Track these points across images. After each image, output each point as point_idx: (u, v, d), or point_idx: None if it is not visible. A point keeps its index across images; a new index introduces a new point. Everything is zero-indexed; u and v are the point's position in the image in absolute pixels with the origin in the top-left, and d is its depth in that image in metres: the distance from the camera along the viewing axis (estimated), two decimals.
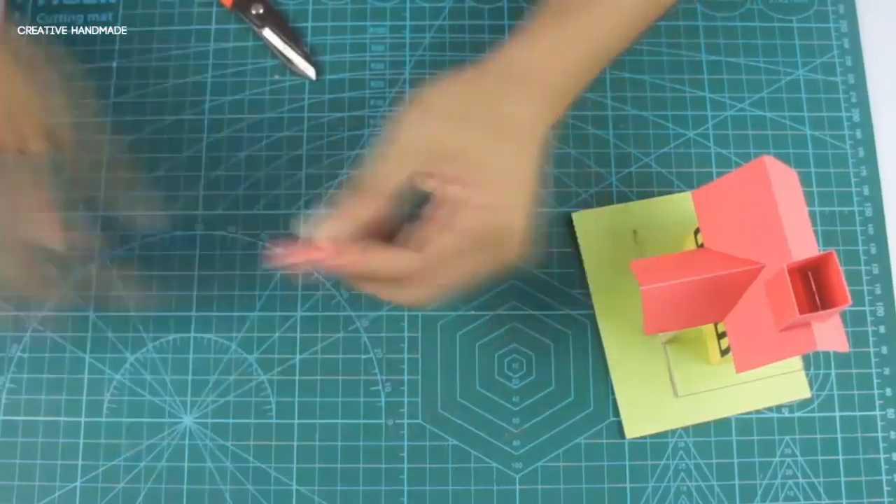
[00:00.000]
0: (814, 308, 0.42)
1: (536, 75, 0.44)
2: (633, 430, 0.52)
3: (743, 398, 0.53)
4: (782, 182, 0.44)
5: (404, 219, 0.44)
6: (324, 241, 0.43)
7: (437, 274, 0.43)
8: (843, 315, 0.54)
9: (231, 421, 0.53)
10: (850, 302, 0.40)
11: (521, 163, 0.43)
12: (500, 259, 0.43)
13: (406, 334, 0.54)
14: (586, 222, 0.56)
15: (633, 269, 0.45)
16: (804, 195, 0.46)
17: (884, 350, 0.54)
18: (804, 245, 0.43)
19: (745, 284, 0.44)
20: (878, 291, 0.55)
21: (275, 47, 0.58)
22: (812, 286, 0.42)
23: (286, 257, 0.43)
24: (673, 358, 0.53)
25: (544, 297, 0.55)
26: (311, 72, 0.58)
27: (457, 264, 0.43)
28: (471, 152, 0.42)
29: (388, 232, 0.44)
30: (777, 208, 0.43)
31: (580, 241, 0.55)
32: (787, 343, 0.42)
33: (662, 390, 0.53)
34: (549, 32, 0.46)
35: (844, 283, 0.40)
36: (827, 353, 0.54)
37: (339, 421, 0.53)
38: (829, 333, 0.42)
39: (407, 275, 0.42)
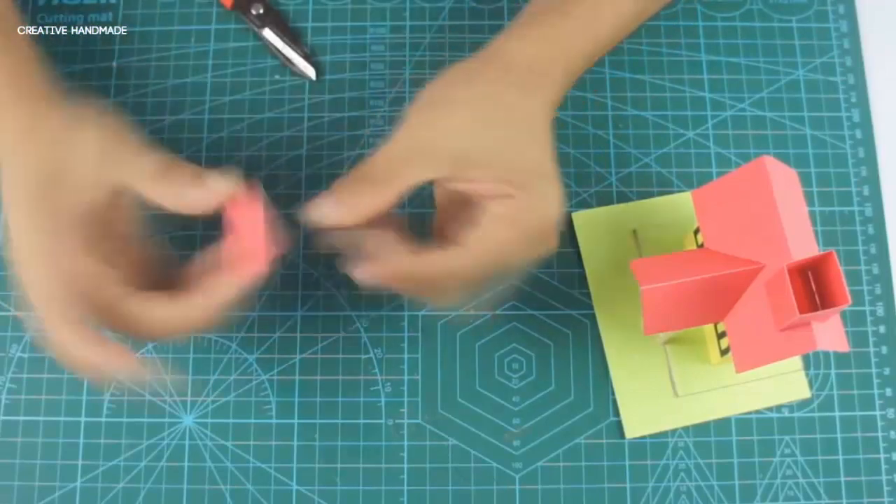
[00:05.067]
0: (814, 308, 0.42)
1: (539, 65, 0.45)
2: (633, 430, 0.52)
3: (743, 398, 0.53)
4: (782, 182, 0.44)
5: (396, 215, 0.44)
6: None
7: (478, 271, 0.42)
8: (843, 315, 0.54)
9: (231, 421, 0.53)
10: (850, 302, 0.40)
11: (542, 154, 0.44)
12: (538, 252, 0.44)
13: (406, 334, 0.54)
14: (586, 222, 0.56)
15: (633, 269, 0.45)
16: (804, 195, 0.46)
17: (884, 350, 0.54)
18: (804, 245, 0.43)
19: (745, 284, 0.44)
20: (878, 291, 0.55)
21: (275, 47, 0.58)
22: (812, 286, 0.42)
23: (364, 272, 0.42)
24: (673, 358, 0.53)
25: (544, 297, 0.55)
26: (311, 72, 0.58)
27: (498, 260, 0.42)
28: (494, 156, 0.42)
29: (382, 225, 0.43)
30: (777, 208, 0.43)
31: (580, 241, 0.55)
32: (787, 343, 0.42)
33: (662, 390, 0.53)
34: (549, 22, 0.46)
35: (844, 283, 0.40)
36: (827, 353, 0.54)
37: (339, 421, 0.53)
38: (829, 333, 0.42)
39: (451, 274, 0.42)
